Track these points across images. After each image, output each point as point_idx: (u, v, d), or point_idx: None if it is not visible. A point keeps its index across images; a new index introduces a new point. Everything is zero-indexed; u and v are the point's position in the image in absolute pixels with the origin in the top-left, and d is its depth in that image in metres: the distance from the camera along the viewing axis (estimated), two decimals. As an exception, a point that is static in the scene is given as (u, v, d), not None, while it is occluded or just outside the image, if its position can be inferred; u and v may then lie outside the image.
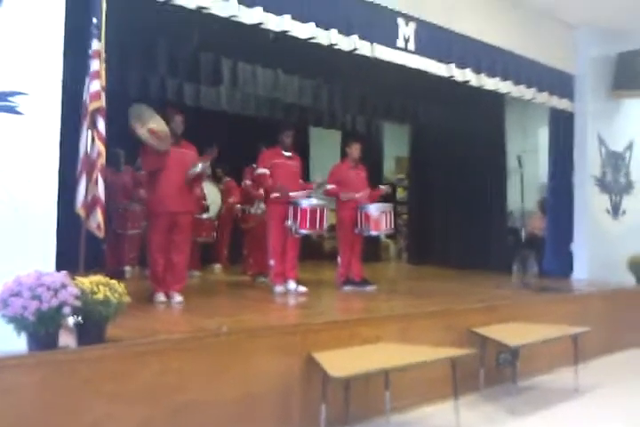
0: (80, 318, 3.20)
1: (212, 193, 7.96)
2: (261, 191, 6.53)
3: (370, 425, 4.12)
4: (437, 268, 9.20)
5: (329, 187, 6.44)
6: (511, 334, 4.99)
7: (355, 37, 5.49)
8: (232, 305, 5.40)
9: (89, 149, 3.85)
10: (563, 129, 8.41)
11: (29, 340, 3.02)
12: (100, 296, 3.16)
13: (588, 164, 8.40)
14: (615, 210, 8.87)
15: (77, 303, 3.06)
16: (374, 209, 6.24)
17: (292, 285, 5.90)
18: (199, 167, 5.10)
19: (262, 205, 6.83)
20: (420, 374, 4.36)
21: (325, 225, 5.94)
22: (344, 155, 6.96)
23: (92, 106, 3.82)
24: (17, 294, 2.92)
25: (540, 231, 8.73)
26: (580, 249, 8.21)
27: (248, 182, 7.19)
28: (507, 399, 4.84)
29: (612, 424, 4.28)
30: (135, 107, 4.99)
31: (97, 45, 3.87)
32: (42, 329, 2.98)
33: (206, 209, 7.57)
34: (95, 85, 3.83)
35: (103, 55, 3.91)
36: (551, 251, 8.32)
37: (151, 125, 4.95)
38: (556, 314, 5.99)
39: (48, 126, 3.67)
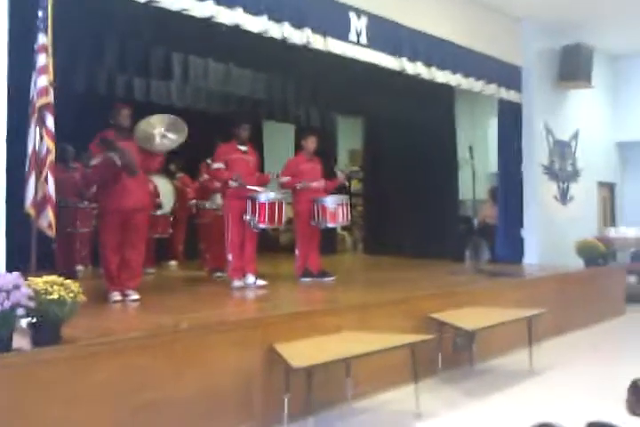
0: (34, 319, 3.13)
1: (165, 189, 7.85)
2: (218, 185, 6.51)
3: (333, 413, 4.18)
4: (393, 257, 9.33)
5: (284, 179, 6.45)
6: (467, 318, 5.12)
7: (307, 31, 5.52)
8: (190, 301, 5.35)
9: (37, 147, 3.76)
10: (511, 120, 8.64)
11: (-18, 343, 2.94)
12: (54, 296, 3.09)
13: (535, 153, 8.65)
14: (563, 197, 9.17)
15: (31, 304, 2.99)
16: (331, 201, 6.28)
17: (250, 279, 5.89)
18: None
19: (218, 200, 6.80)
20: (381, 360, 4.43)
21: (284, 219, 5.94)
22: (298, 148, 6.97)
23: (39, 102, 3.73)
24: (-32, 296, 2.84)
25: (491, 219, 8.95)
26: (531, 235, 8.46)
27: (206, 177, 7.14)
28: (464, 382, 4.97)
29: (567, 403, 4.44)
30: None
31: (43, 39, 3.77)
32: (-5, 331, 2.91)
33: (159, 206, 7.47)
34: (42, 81, 3.75)
35: (50, 50, 3.82)
36: (502, 238, 8.56)
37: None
38: (510, 298, 6.18)
39: (-6, 123, 3.57)
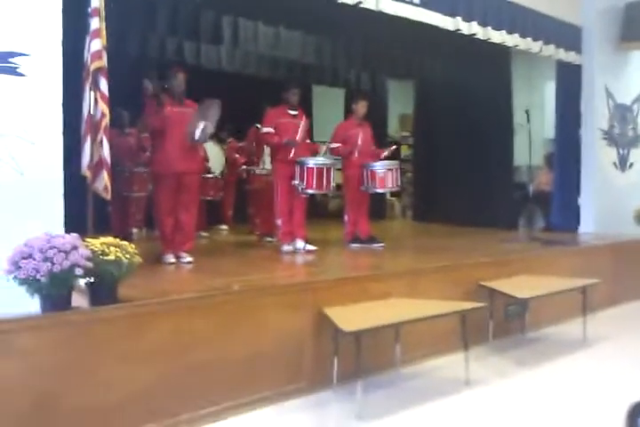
0: (92, 279, 3.22)
1: (214, 153, 7.91)
2: (264, 153, 6.53)
3: (381, 377, 4.21)
4: (443, 225, 9.20)
5: (334, 145, 6.40)
6: (519, 286, 5.03)
7: (359, -11, 5.34)
8: (241, 265, 5.43)
9: (92, 110, 3.80)
10: (570, 82, 8.27)
11: (42, 302, 3.04)
12: (111, 257, 3.18)
13: (595, 117, 8.28)
14: (622, 163, 8.80)
15: (89, 265, 3.08)
16: (380, 166, 6.20)
17: (300, 244, 5.91)
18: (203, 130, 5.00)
19: (267, 165, 6.80)
20: (430, 327, 4.41)
21: (332, 185, 5.89)
22: (348, 113, 6.87)
23: (93, 66, 3.74)
24: (28, 257, 2.93)
25: (547, 186, 8.69)
26: (588, 203, 8.19)
27: (248, 145, 7.18)
28: (515, 351, 4.92)
29: (619, 374, 4.35)
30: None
31: (96, 3, 3.77)
32: (54, 291, 3.00)
33: (208, 170, 7.54)
34: (96, 44, 3.75)
35: (103, 13, 3.82)
36: (558, 205, 8.31)
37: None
38: (564, 267, 6.03)
39: (50, 88, 3.61)
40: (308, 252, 5.88)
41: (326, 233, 7.72)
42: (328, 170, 5.81)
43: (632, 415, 2.08)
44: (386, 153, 6.48)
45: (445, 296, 4.68)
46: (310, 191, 5.83)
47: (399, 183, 6.39)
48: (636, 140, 9.08)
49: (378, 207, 9.63)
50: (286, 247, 5.91)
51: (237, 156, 8.00)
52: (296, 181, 5.76)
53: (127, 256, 3.24)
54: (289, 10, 6.31)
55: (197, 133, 4.93)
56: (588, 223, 8.13)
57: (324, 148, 6.45)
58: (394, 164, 6.35)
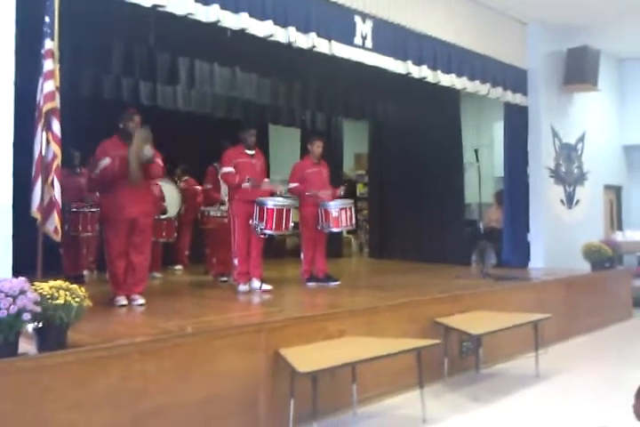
0: (40, 323, 3.13)
1: (171, 193, 7.86)
2: (221, 194, 6.53)
3: (338, 419, 4.17)
4: (399, 261, 9.32)
5: (292, 185, 6.46)
6: (473, 322, 5.11)
7: (313, 35, 5.51)
8: (195, 306, 5.37)
9: (44, 151, 3.77)
10: (517, 123, 8.60)
11: (-13, 348, 2.94)
12: (60, 301, 3.10)
13: (542, 156, 8.62)
14: (569, 200, 9.13)
15: (37, 309, 3.00)
16: (334, 206, 6.27)
17: (256, 283, 5.88)
18: (148, 151, 4.88)
19: (223, 207, 6.80)
20: (386, 365, 4.42)
21: (290, 225, 5.90)
22: (304, 152, 6.97)
23: (46, 107, 3.74)
24: (-26, 302, 2.84)
25: (497, 223, 8.92)
26: (537, 239, 8.42)
27: (209, 186, 7.18)
28: (470, 387, 4.95)
29: (573, 409, 4.41)
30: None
31: (50, 45, 3.79)
32: (1, 337, 2.91)
33: (164, 210, 7.47)
34: (49, 86, 3.76)
35: (57, 54, 3.83)
36: (508, 241, 8.51)
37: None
38: (516, 302, 6.16)
39: (0, 128, 3.58)
40: (265, 291, 5.85)
41: (283, 272, 7.72)
42: (287, 211, 5.84)
43: None
44: (340, 192, 6.57)
45: (401, 333, 4.72)
46: (269, 232, 5.82)
47: (353, 222, 6.46)
48: (582, 178, 9.46)
49: (335, 245, 9.68)
50: (242, 287, 5.87)
51: (197, 193, 7.93)
52: (254, 222, 5.76)
53: (77, 300, 3.16)
54: (245, 52, 6.41)
55: (146, 151, 4.86)
56: (538, 259, 8.35)
57: (279, 186, 6.49)
58: (347, 203, 6.43)
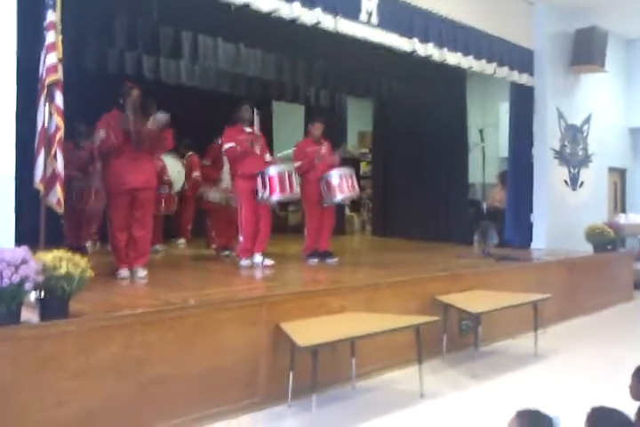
0: (42, 293, 3.16)
1: (175, 168, 7.87)
2: (223, 171, 6.55)
3: (336, 392, 4.22)
4: (400, 240, 9.33)
5: (297, 164, 6.43)
6: (473, 301, 5.13)
7: (318, 10, 5.43)
8: (197, 279, 5.40)
9: (46, 124, 3.77)
10: (523, 103, 8.54)
11: (-10, 317, 2.97)
12: (62, 271, 3.12)
13: (547, 137, 8.57)
14: (573, 182, 9.10)
15: (39, 279, 3.02)
16: (333, 174, 6.27)
17: (258, 258, 5.90)
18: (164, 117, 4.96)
19: (223, 185, 6.78)
20: (385, 341, 4.46)
21: (296, 188, 5.88)
22: (307, 130, 6.95)
23: (48, 79, 3.72)
24: (-24, 271, 2.87)
25: (500, 203, 8.91)
26: (540, 220, 8.42)
27: (207, 163, 7.16)
28: (469, 364, 4.99)
29: (570, 388, 4.46)
30: None
31: (52, 16, 3.76)
32: (3, 306, 2.94)
33: (170, 184, 7.49)
34: (51, 58, 3.73)
35: (59, 27, 3.80)
36: (511, 222, 8.52)
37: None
38: (516, 282, 6.18)
39: (4, 100, 3.58)
40: (266, 266, 5.88)
41: (285, 248, 7.74)
42: (290, 175, 5.83)
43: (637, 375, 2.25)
44: (336, 157, 6.56)
45: (402, 310, 4.75)
46: (275, 197, 5.79)
47: (357, 189, 6.45)
48: (587, 159, 9.42)
49: (337, 222, 9.68)
50: (245, 262, 5.90)
51: (197, 174, 7.91)
52: (259, 193, 5.75)
53: (79, 270, 3.19)
54: (249, 28, 6.36)
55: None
56: (541, 240, 8.35)
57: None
58: (347, 170, 6.41)
